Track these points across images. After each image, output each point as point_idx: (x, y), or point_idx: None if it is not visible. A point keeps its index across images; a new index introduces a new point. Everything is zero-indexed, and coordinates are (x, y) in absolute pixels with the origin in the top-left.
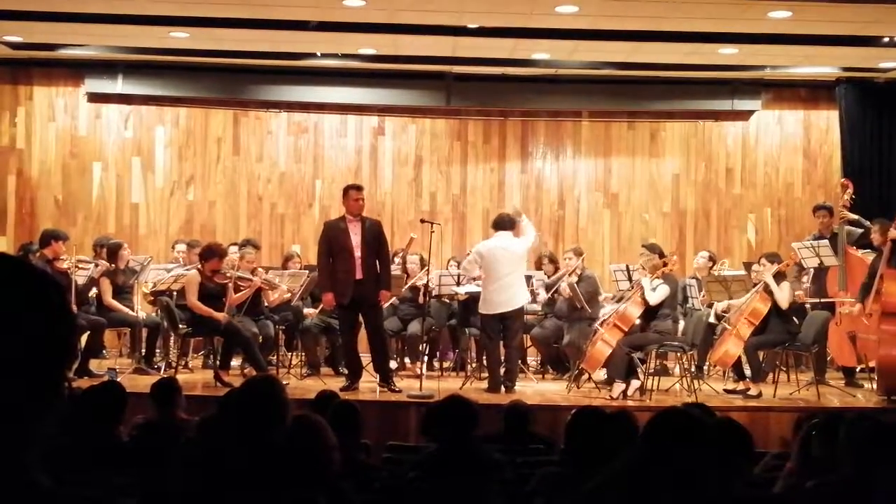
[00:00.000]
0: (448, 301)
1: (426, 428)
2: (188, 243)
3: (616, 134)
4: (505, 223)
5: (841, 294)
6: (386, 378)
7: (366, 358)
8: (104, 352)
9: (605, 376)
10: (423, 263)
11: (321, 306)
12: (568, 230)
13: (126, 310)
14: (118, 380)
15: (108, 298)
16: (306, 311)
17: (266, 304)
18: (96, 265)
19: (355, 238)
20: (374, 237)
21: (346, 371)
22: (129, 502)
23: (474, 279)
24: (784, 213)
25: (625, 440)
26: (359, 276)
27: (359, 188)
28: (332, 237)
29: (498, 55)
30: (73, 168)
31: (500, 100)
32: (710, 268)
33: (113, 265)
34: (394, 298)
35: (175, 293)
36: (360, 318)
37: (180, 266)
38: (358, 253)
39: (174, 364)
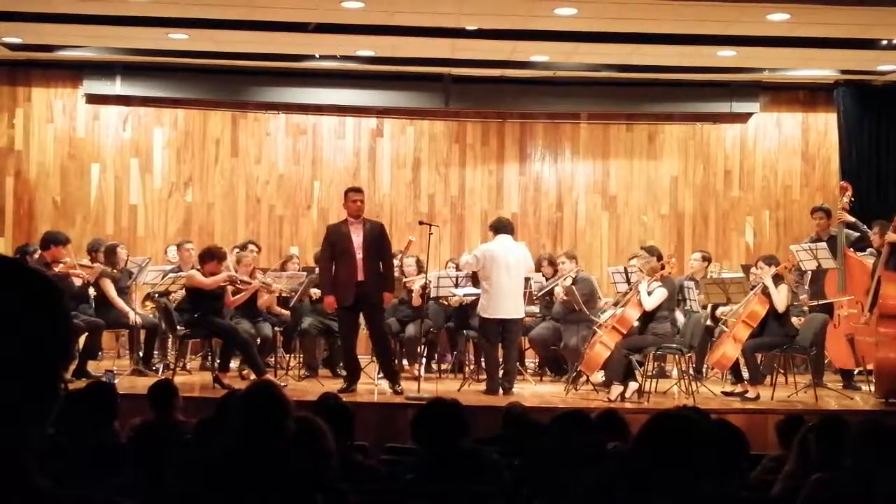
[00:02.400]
0: (446, 304)
1: (414, 433)
2: (178, 244)
3: (614, 136)
4: (506, 227)
5: (839, 296)
6: (393, 378)
7: (363, 359)
8: (100, 353)
9: (603, 378)
10: (421, 267)
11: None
12: (566, 232)
13: (129, 309)
14: (116, 381)
15: (113, 295)
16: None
17: (262, 307)
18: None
19: (357, 240)
20: (376, 239)
21: (343, 373)
22: (127, 503)
23: (474, 283)
24: (782, 216)
25: (612, 440)
26: (360, 277)
27: (357, 190)
28: (335, 240)
29: (496, 57)
30: (71, 169)
31: (499, 102)
32: (706, 268)
33: (112, 269)
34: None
35: (171, 296)
36: (360, 321)
37: (176, 268)
38: (359, 255)
39: (172, 366)
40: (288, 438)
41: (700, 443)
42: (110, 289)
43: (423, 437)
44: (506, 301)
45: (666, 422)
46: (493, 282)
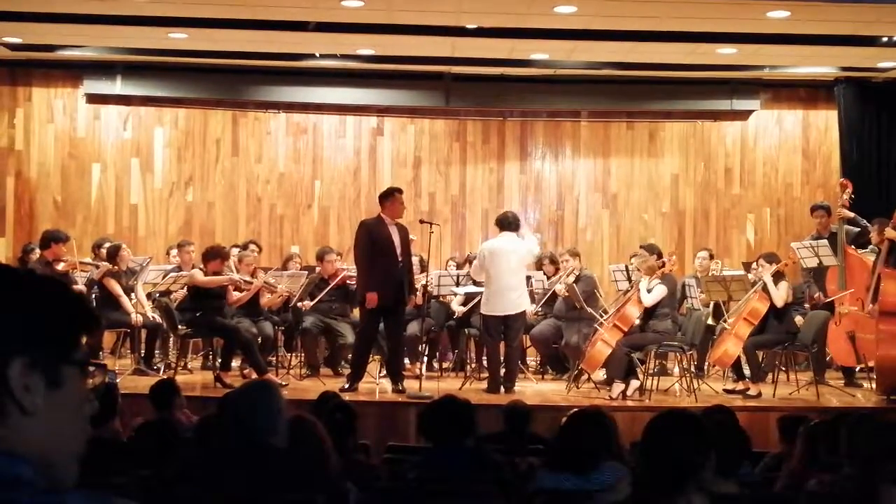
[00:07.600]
0: (447, 303)
1: (422, 429)
2: (178, 244)
3: (615, 134)
4: (510, 223)
5: (840, 293)
6: (397, 377)
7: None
8: (100, 353)
9: (605, 376)
10: (423, 266)
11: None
12: (567, 231)
13: (131, 309)
14: (117, 381)
15: (120, 293)
16: (300, 304)
17: (265, 306)
18: (97, 267)
19: (396, 240)
20: (406, 241)
21: (345, 372)
22: (126, 502)
23: (475, 282)
24: (783, 213)
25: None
26: (400, 278)
27: (402, 192)
28: (376, 237)
29: (496, 55)
30: (71, 169)
31: (499, 100)
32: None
33: (116, 267)
34: None
35: (172, 295)
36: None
37: (176, 268)
38: (399, 256)
39: (173, 365)
40: (284, 437)
41: (702, 440)
42: (116, 287)
43: (432, 433)
44: (506, 297)
45: (668, 419)
46: (493, 278)
